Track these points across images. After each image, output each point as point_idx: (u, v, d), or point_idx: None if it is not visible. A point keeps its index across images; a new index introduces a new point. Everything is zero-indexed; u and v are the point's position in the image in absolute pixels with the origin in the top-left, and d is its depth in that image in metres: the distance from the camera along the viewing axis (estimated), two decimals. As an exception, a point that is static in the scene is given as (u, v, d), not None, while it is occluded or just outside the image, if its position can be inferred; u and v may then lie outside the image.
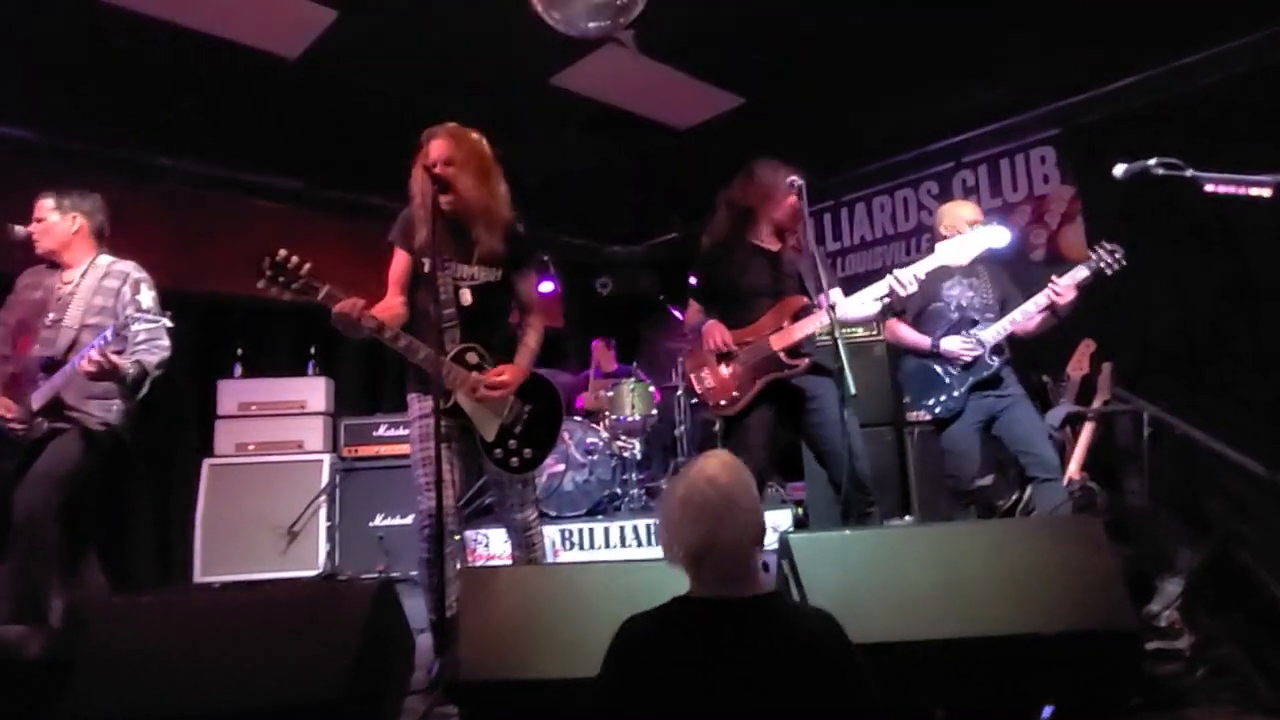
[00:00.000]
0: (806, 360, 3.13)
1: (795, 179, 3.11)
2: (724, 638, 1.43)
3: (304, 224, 5.82)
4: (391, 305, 2.78)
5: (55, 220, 3.20)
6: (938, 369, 3.56)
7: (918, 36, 4.28)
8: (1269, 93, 4.21)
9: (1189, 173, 2.57)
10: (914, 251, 5.87)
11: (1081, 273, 3.40)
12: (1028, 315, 3.45)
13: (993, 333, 3.48)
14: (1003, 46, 4.41)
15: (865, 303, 3.19)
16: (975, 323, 3.53)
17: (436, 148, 2.73)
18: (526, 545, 2.92)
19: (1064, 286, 3.36)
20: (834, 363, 2.90)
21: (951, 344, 3.50)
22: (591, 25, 3.29)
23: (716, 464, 1.55)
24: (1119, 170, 2.67)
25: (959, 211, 3.65)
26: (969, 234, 3.29)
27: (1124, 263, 3.40)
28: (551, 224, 6.76)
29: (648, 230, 7.41)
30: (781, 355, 3.12)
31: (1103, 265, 3.40)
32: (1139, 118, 4.71)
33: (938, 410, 3.55)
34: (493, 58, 4.27)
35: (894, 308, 3.45)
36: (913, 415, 4.80)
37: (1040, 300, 3.41)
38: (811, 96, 4.85)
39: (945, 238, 3.52)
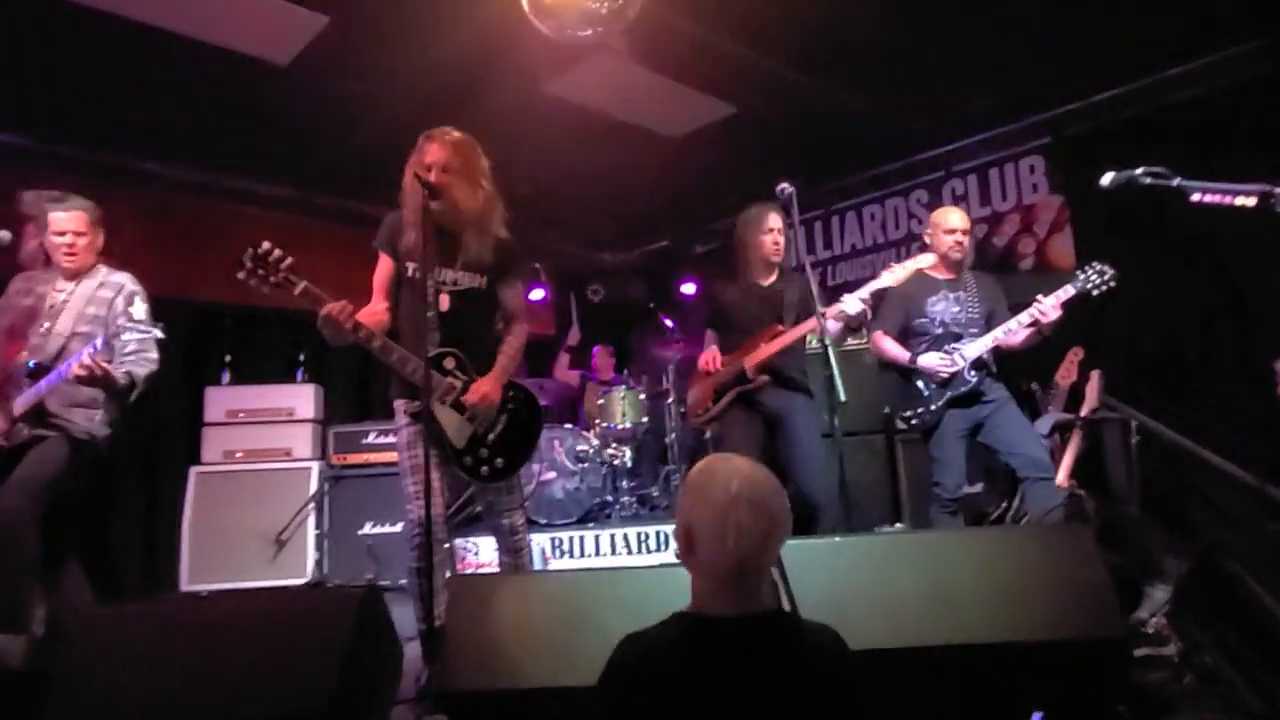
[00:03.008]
0: (766, 378, 3.43)
1: (785, 186, 3.14)
2: (740, 659, 1.34)
3: (294, 231, 5.76)
4: (376, 312, 2.74)
5: (94, 234, 3.19)
6: (918, 382, 3.55)
7: (908, 45, 4.30)
8: (1255, 104, 4.26)
9: (1175, 182, 2.58)
10: (904, 260, 5.88)
11: (1069, 292, 3.39)
12: (1011, 332, 3.45)
13: (975, 348, 3.46)
14: (992, 56, 4.44)
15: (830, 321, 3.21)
16: (959, 338, 3.52)
17: (432, 152, 2.70)
18: (513, 551, 2.89)
19: (1049, 306, 3.36)
20: (824, 370, 2.92)
21: (929, 360, 3.49)
22: (583, 32, 3.30)
23: (763, 475, 1.42)
24: (1105, 179, 2.68)
25: (942, 218, 3.67)
26: (906, 262, 3.46)
27: (1113, 284, 3.37)
28: (543, 231, 6.76)
29: (639, 238, 7.43)
30: (747, 372, 3.44)
31: (1090, 286, 3.38)
32: (1128, 127, 4.75)
33: (914, 422, 3.57)
34: (485, 65, 4.27)
35: (851, 325, 3.49)
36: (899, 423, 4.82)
37: (1024, 318, 3.41)
38: (802, 105, 4.87)
39: (928, 243, 3.67)
